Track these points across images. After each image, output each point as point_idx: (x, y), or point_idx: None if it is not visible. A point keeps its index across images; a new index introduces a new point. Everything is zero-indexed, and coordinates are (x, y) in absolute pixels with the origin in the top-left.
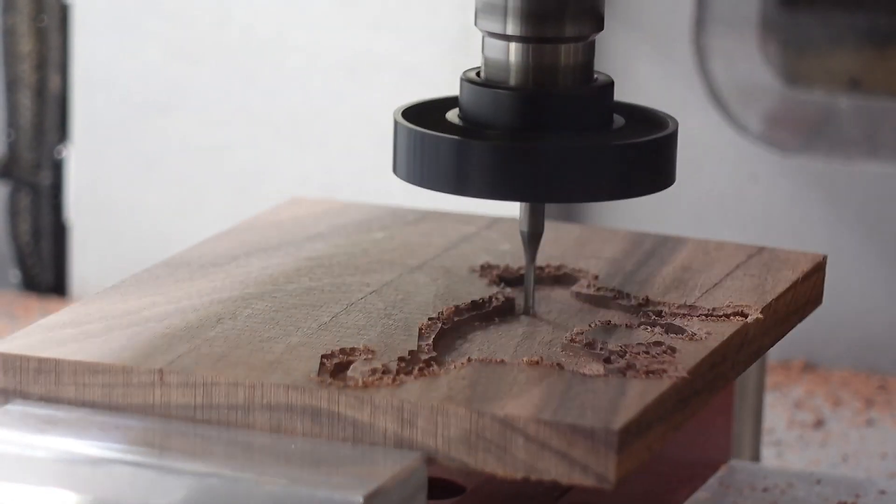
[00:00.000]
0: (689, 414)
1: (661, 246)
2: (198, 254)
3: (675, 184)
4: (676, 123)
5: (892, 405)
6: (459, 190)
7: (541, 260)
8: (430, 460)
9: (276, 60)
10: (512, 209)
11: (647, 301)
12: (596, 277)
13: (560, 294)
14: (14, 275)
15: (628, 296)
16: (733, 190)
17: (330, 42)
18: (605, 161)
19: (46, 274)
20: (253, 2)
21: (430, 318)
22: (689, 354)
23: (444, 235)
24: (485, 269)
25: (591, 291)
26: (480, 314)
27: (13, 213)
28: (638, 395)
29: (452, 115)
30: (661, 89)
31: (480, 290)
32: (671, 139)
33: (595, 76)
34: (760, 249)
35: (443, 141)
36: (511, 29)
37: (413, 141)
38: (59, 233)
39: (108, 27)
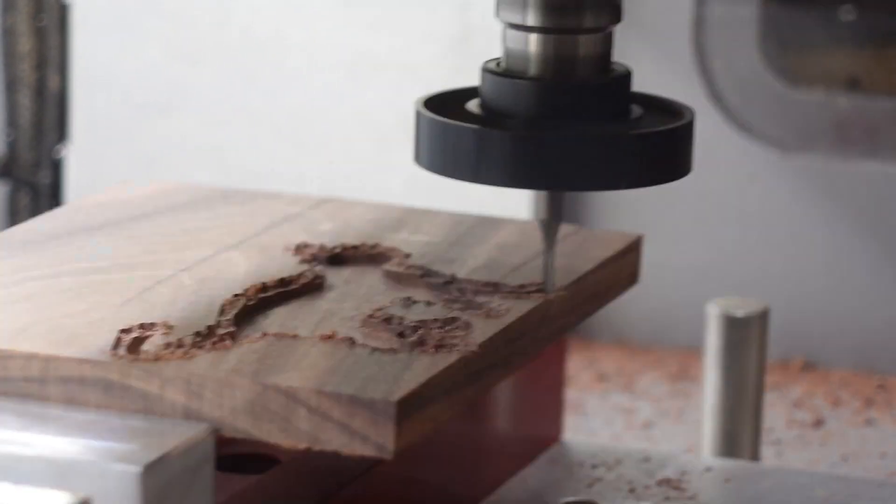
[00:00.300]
0: (482, 388)
1: (479, 226)
2: (21, 232)
3: (675, 184)
4: (693, 113)
5: (892, 405)
6: (479, 178)
7: (358, 239)
8: (215, 432)
9: (276, 60)
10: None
11: (454, 279)
12: (407, 256)
13: (371, 272)
14: None
15: (436, 273)
16: (733, 190)
17: (330, 42)
18: (622, 150)
19: None
20: (253, 2)
21: (234, 295)
22: (483, 330)
23: (268, 215)
24: (300, 248)
25: (401, 270)
26: (287, 291)
27: (12, 212)
28: (424, 369)
29: (473, 105)
30: (661, 89)
31: (292, 268)
32: (688, 129)
33: (612, 66)
34: (578, 229)
35: (463, 130)
36: (531, 20)
37: (435, 130)
38: None
39: (107, 27)
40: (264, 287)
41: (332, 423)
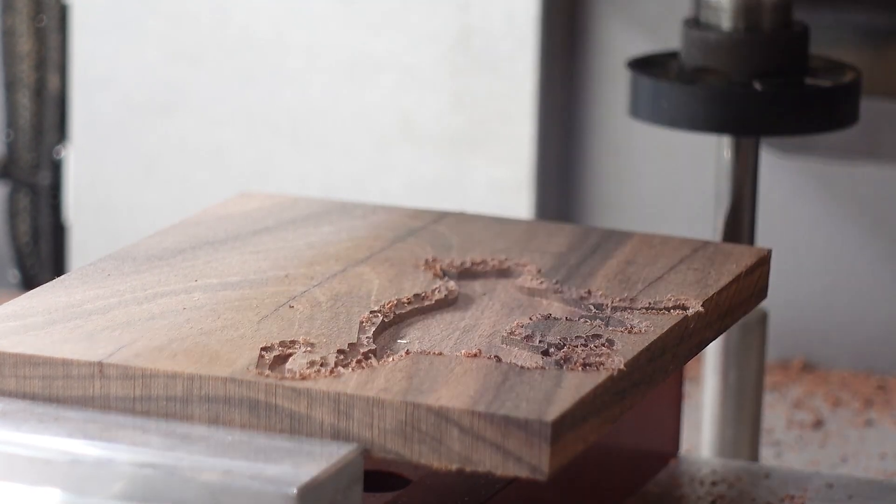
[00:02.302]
0: (626, 406)
1: (606, 240)
2: (144, 247)
3: (674, 184)
4: (860, 72)
5: (892, 405)
6: (690, 126)
7: (486, 254)
8: (366, 452)
9: (276, 60)
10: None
11: (589, 294)
12: (539, 271)
13: (503, 287)
14: (13, 275)
15: (570, 289)
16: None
17: (330, 42)
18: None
19: (45, 274)
20: (253, 2)
21: (371, 311)
22: (628, 347)
23: (392, 229)
24: (430, 262)
25: (534, 285)
26: (422, 307)
27: (12, 213)
28: (573, 387)
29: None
30: None
31: (424, 283)
32: (857, 85)
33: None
34: (705, 244)
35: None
36: None
37: (652, 89)
38: (58, 233)
39: (107, 27)
40: (399, 303)
41: (486, 444)
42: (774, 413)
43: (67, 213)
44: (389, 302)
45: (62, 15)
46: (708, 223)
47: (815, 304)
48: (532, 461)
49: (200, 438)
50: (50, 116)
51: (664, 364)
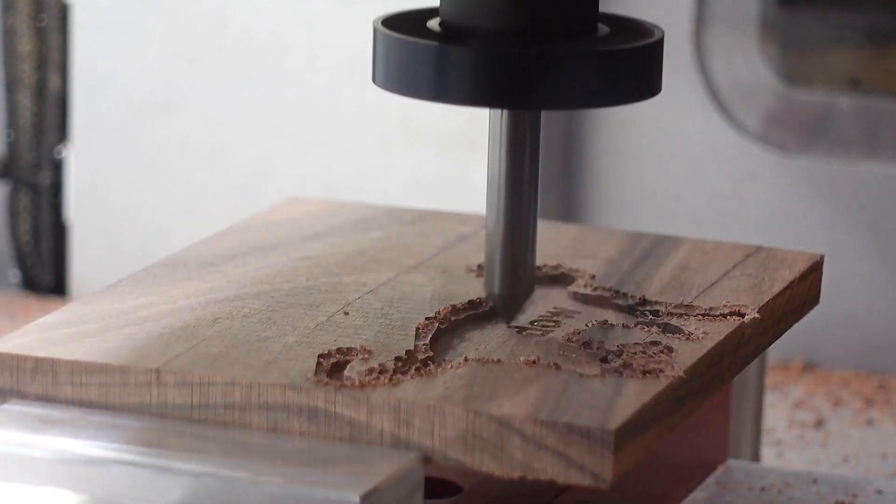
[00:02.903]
0: (685, 414)
1: (659, 245)
2: (195, 253)
3: (674, 184)
4: (662, 32)
5: (892, 405)
6: (439, 97)
7: (538, 259)
8: (426, 460)
9: (276, 60)
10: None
11: (644, 300)
12: (593, 277)
13: (557, 293)
14: (14, 275)
15: (625, 295)
16: (733, 190)
17: (330, 42)
18: (588, 68)
19: (46, 274)
20: (253, 2)
21: (427, 318)
22: (686, 354)
23: (441, 235)
24: (481, 268)
25: (588, 291)
26: (477, 314)
27: (13, 212)
28: (634, 395)
29: (433, 24)
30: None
31: (477, 289)
32: (657, 46)
33: None
34: (758, 249)
35: (422, 47)
36: None
37: (392, 48)
38: (58, 233)
39: (107, 27)
40: (454, 309)
41: (548, 452)
42: (775, 413)
43: (68, 213)
44: (444, 308)
45: (63, 15)
46: (708, 223)
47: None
48: (595, 469)
49: (259, 447)
50: (50, 116)
51: (721, 371)
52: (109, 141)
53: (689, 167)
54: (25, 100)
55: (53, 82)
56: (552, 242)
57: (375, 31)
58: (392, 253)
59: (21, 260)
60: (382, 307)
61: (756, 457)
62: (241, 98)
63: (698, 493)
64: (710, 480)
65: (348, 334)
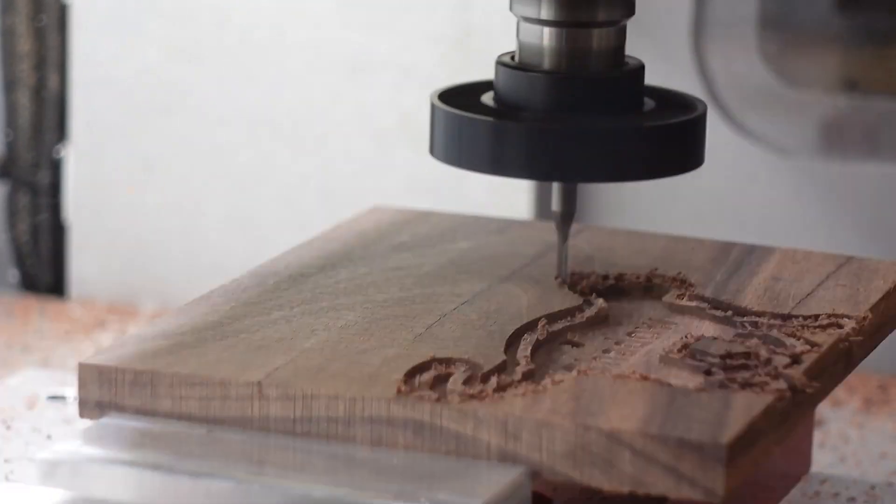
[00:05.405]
0: (791, 427)
1: (749, 255)
2: (283, 264)
3: (674, 184)
4: (705, 106)
5: (892, 405)
6: (496, 170)
7: (627, 269)
8: (534, 474)
9: (276, 60)
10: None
11: (743, 311)
12: (689, 286)
13: (651, 303)
14: (13, 274)
15: (722, 306)
16: (733, 190)
17: (330, 42)
18: (635, 142)
19: (45, 274)
20: (253, 2)
21: (524, 329)
22: (790, 366)
23: (530, 244)
24: (576, 279)
25: (684, 302)
26: (574, 324)
27: (12, 212)
28: (743, 409)
29: (488, 98)
30: None
31: (571, 299)
32: (700, 121)
33: (626, 60)
34: (849, 259)
35: (479, 123)
36: (545, 13)
37: (451, 123)
38: (57, 232)
39: (107, 27)
40: (552, 321)
41: (658, 467)
42: None
43: (67, 213)
44: (542, 320)
45: (62, 14)
46: (708, 223)
47: None
48: (707, 484)
49: (363, 460)
50: (50, 116)
51: (824, 383)
52: (108, 141)
53: None
54: (24, 99)
55: (52, 82)
56: (642, 253)
57: (434, 106)
58: (483, 263)
59: (20, 260)
60: (479, 318)
61: None
62: (241, 98)
63: None
64: (795, 491)
65: (447, 346)
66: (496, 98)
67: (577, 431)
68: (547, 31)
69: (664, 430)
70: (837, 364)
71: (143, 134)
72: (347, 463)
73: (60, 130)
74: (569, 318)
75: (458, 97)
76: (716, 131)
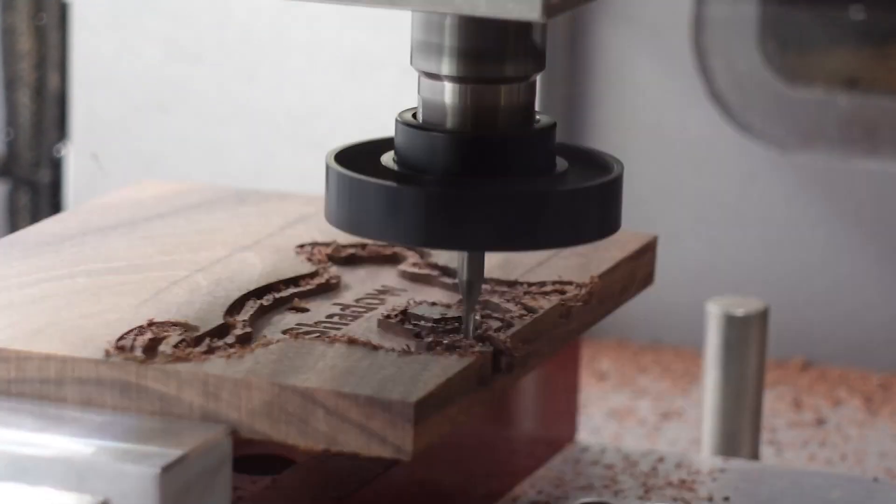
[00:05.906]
0: (500, 388)
1: None
2: (35, 232)
3: (675, 183)
4: (622, 166)
5: (892, 403)
6: (394, 237)
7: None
8: (234, 433)
9: (276, 60)
10: None
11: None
12: (422, 256)
13: (386, 273)
14: None
15: (452, 274)
16: (733, 190)
17: (330, 42)
18: (546, 208)
19: None
20: (253, 2)
21: (252, 296)
22: (499, 331)
23: (282, 216)
24: (313, 248)
25: (416, 270)
26: (302, 292)
27: (12, 211)
28: (440, 370)
29: (388, 159)
30: (660, 89)
31: (305, 267)
32: (616, 184)
33: (537, 118)
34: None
35: (375, 187)
36: (447, 69)
37: (344, 186)
38: None
39: (107, 26)
40: (278, 287)
41: (350, 425)
42: (775, 411)
43: None
44: (269, 286)
45: (62, 13)
46: (708, 222)
47: (816, 302)
48: (396, 441)
49: (71, 420)
50: (50, 115)
51: (540, 347)
52: (109, 140)
53: (689, 167)
54: (25, 98)
55: (53, 81)
56: None
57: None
58: (229, 233)
59: None
60: (209, 285)
61: (755, 455)
62: (241, 97)
63: (544, 471)
64: (556, 458)
65: (170, 311)
66: (397, 159)
67: (273, 390)
68: (450, 87)
69: (356, 389)
70: (557, 329)
71: (143, 132)
72: (56, 421)
73: (61, 129)
74: (296, 285)
75: (358, 157)
76: (716, 131)
